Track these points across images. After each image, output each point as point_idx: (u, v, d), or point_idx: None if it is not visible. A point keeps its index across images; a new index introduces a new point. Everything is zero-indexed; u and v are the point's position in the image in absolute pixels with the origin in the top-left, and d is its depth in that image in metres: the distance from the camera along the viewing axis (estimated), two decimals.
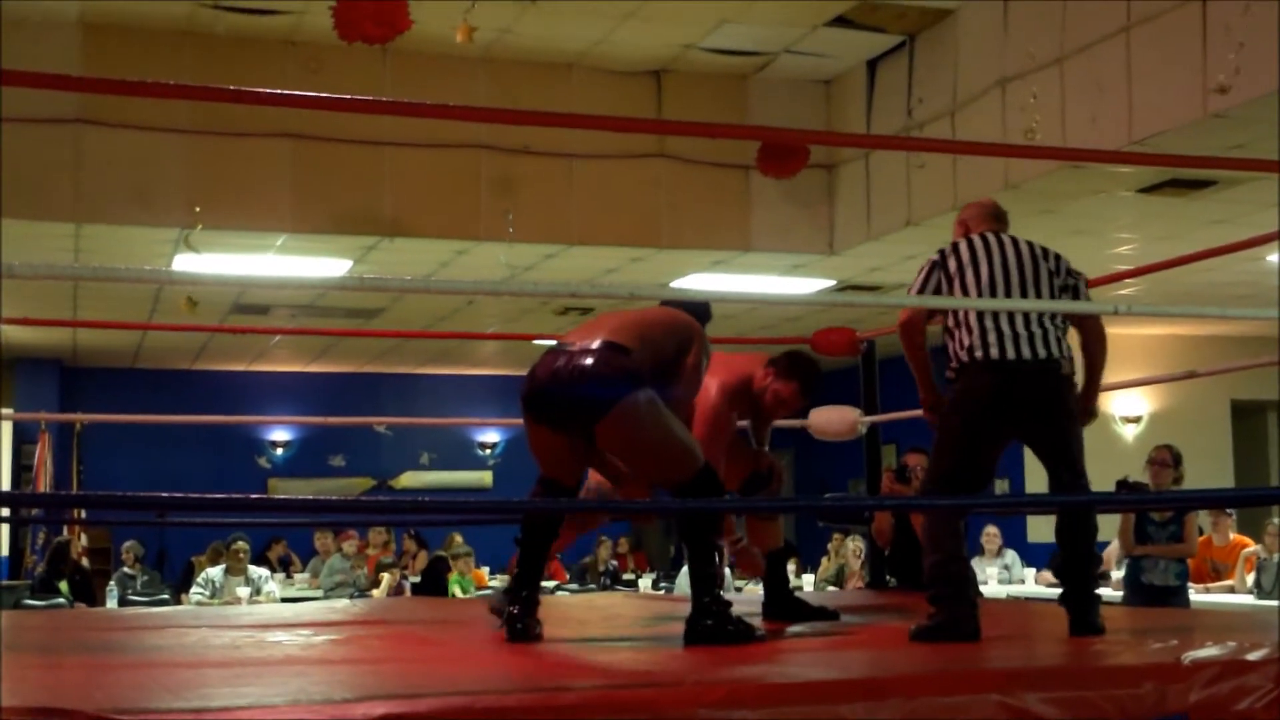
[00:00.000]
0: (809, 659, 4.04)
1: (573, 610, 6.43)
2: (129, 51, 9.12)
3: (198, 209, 8.92)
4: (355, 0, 6.25)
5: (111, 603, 11.59)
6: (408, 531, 14.50)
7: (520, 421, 4.32)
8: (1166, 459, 8.57)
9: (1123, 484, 8.54)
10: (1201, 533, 11.13)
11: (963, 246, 4.66)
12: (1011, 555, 12.31)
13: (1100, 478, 7.96)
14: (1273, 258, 10.79)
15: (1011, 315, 4.46)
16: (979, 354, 4.45)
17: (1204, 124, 7.45)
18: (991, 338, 4.44)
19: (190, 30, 9.28)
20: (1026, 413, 4.48)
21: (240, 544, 11.38)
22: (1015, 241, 4.67)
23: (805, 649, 4.24)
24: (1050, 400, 4.49)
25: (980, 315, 4.47)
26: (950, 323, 4.61)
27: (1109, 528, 12.94)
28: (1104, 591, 10.84)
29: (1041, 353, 4.45)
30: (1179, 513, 8.53)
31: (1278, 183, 7.42)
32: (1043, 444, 4.55)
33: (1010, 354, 4.43)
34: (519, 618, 4.29)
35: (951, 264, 4.63)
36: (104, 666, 3.82)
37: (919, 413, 4.84)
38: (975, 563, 8.89)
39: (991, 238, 4.68)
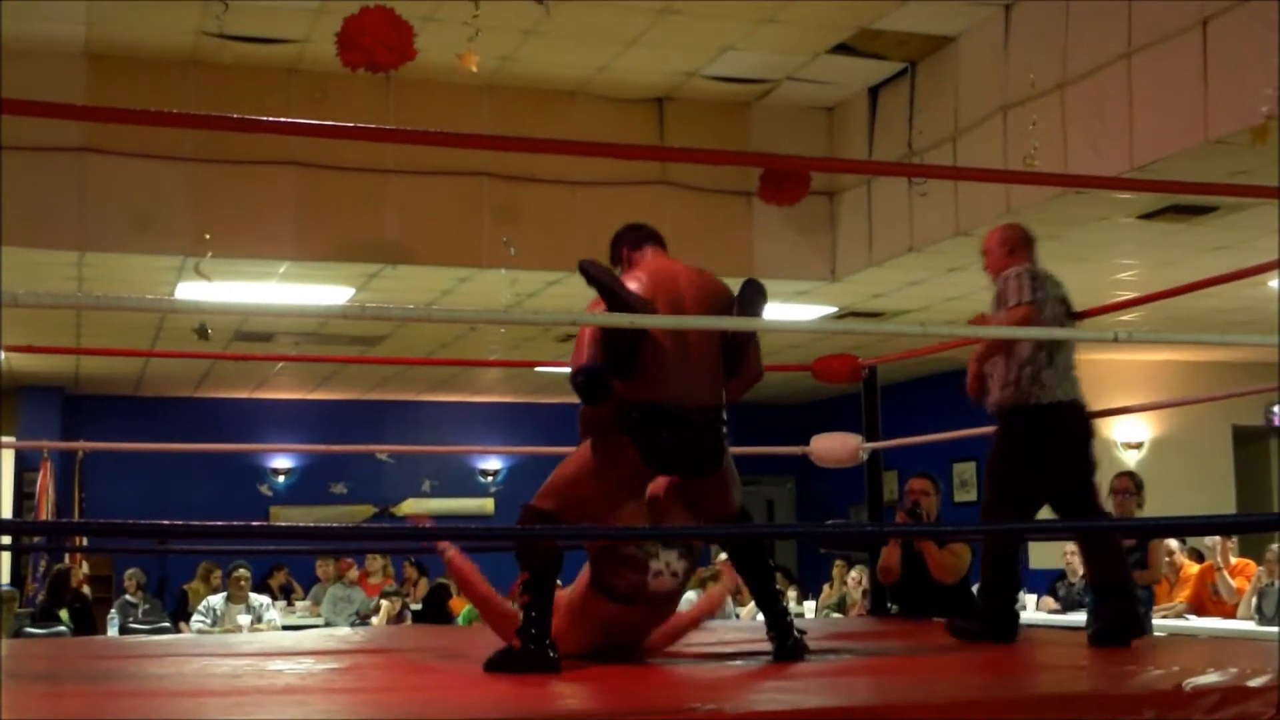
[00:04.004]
0: (812, 685, 4.03)
1: None
2: (133, 80, 9.15)
3: (208, 236, 8.94)
4: (360, 29, 6.28)
5: (112, 631, 11.57)
6: (408, 559, 14.47)
7: (522, 450, 4.34)
8: (1129, 486, 8.52)
9: None
10: (1202, 559, 11.11)
11: (1040, 279, 5.01)
12: None
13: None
14: (1275, 284, 10.79)
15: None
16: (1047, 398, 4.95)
17: (1205, 150, 7.47)
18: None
19: (194, 59, 9.32)
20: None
21: (241, 571, 11.36)
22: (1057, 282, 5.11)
23: (809, 674, 4.23)
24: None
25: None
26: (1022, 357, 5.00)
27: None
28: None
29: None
30: (1143, 540, 8.48)
31: (1278, 209, 7.43)
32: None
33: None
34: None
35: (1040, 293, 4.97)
36: (105, 695, 3.82)
37: (921, 439, 4.98)
38: (977, 589, 8.86)
39: (1047, 274, 5.07)
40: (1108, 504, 8.54)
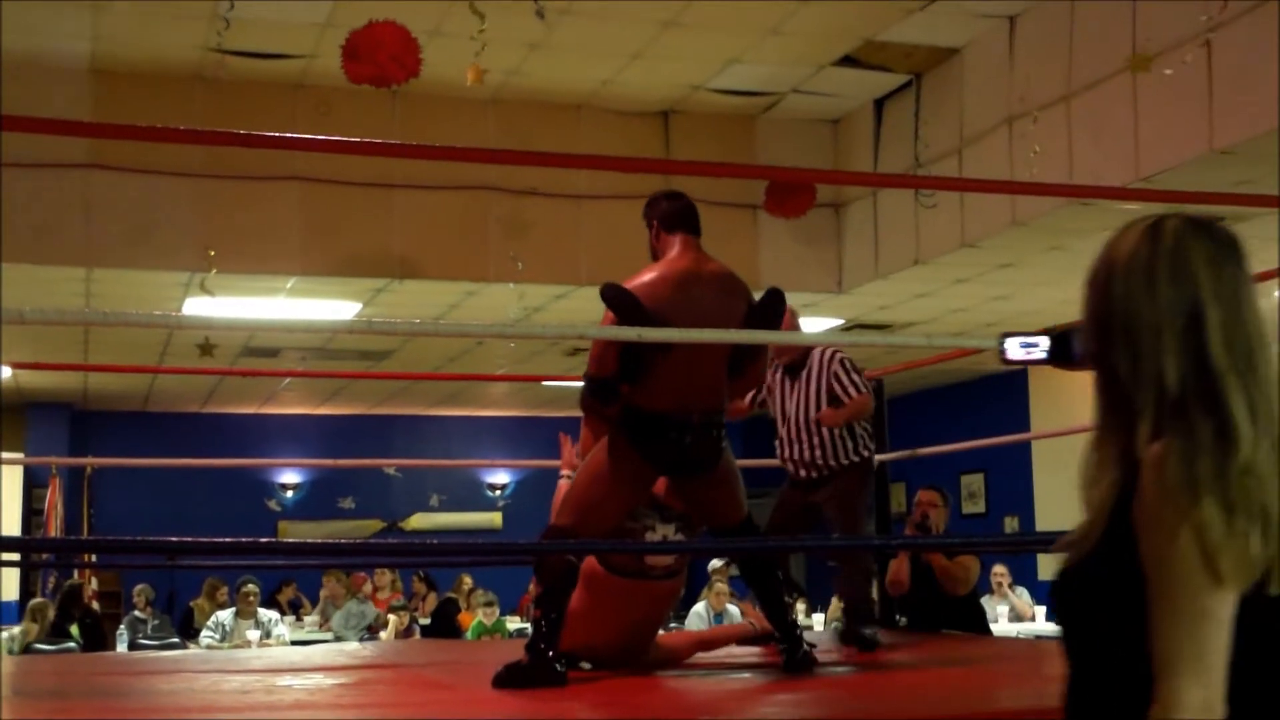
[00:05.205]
0: (821, 698, 4.03)
1: None
2: (139, 96, 9.15)
3: (212, 252, 8.95)
4: (366, 43, 6.29)
5: (122, 646, 11.57)
6: (416, 573, 14.46)
7: (529, 463, 4.39)
8: None
9: None
10: None
11: None
12: (1022, 593, 12.27)
13: None
14: (1278, 293, 10.76)
15: None
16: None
17: (1210, 160, 7.46)
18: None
19: (200, 75, 9.33)
20: None
21: (250, 587, 11.35)
22: None
23: (818, 687, 4.23)
24: None
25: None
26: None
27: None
28: None
29: None
30: None
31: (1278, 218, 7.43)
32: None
33: None
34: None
35: None
36: (114, 710, 3.82)
37: (928, 451, 5.03)
38: (985, 601, 8.85)
39: None
40: None
